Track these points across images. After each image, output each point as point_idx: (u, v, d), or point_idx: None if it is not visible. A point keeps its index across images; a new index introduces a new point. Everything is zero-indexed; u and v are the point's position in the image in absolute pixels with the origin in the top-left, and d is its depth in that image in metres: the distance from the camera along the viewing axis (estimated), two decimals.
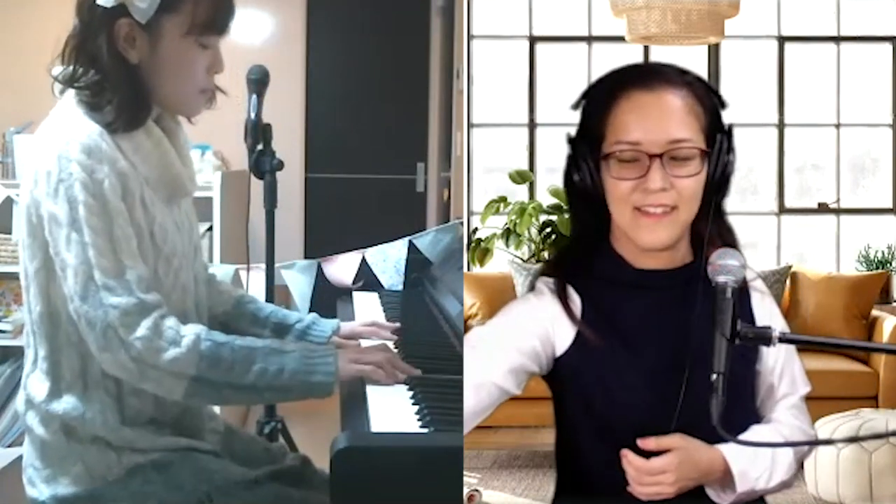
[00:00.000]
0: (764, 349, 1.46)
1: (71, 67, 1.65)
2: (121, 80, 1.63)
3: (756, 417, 1.51)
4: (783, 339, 1.32)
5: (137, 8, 1.60)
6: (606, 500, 1.44)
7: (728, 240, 1.44)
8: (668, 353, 1.39)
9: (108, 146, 1.60)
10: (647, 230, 1.38)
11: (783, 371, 1.51)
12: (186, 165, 1.77)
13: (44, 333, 1.67)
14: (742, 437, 1.39)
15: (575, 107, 1.45)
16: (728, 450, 1.38)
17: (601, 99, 1.40)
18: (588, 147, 1.41)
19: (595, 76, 1.44)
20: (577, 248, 1.48)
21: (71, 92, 1.67)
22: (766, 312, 1.51)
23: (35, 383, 1.69)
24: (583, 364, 1.44)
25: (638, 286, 1.44)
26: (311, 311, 2.34)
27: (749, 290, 1.49)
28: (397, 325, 2.14)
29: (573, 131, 1.45)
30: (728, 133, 1.42)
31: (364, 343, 2.06)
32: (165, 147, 1.71)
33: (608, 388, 1.42)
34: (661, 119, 1.36)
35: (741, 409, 1.45)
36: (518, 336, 1.44)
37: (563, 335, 1.44)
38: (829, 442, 1.49)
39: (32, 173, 1.61)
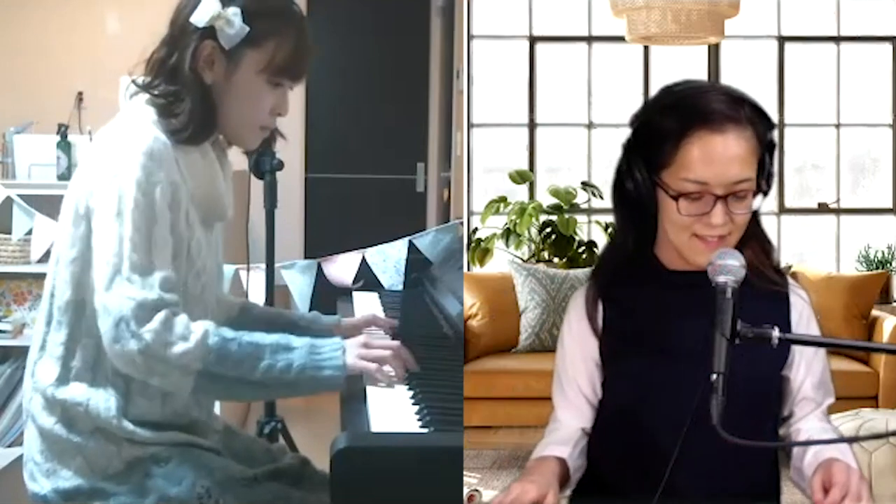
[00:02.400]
0: (806, 359, 1.56)
1: (152, 75, 1.72)
2: (196, 94, 1.70)
3: (775, 420, 1.58)
4: (783, 340, 1.32)
5: (225, 33, 1.69)
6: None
7: (762, 240, 1.53)
8: (699, 349, 1.41)
9: (168, 156, 1.66)
10: (702, 254, 1.46)
11: (821, 381, 1.59)
12: (228, 190, 1.83)
13: (67, 321, 1.69)
14: (816, 438, 1.53)
15: (632, 125, 1.52)
16: (843, 452, 1.47)
17: (668, 131, 1.45)
18: (644, 162, 1.48)
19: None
20: (617, 254, 1.58)
21: (139, 98, 1.72)
22: (804, 329, 1.56)
23: (43, 368, 1.71)
24: (611, 367, 1.56)
25: (671, 286, 1.52)
26: (310, 311, 2.36)
27: (790, 301, 1.56)
28: (395, 321, 2.16)
29: (624, 137, 1.52)
30: (770, 148, 1.49)
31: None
32: (216, 170, 1.78)
33: (636, 391, 1.52)
34: (729, 163, 1.43)
35: (766, 411, 1.54)
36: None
37: (594, 346, 1.58)
38: (839, 441, 1.54)
39: (93, 165, 1.67)
